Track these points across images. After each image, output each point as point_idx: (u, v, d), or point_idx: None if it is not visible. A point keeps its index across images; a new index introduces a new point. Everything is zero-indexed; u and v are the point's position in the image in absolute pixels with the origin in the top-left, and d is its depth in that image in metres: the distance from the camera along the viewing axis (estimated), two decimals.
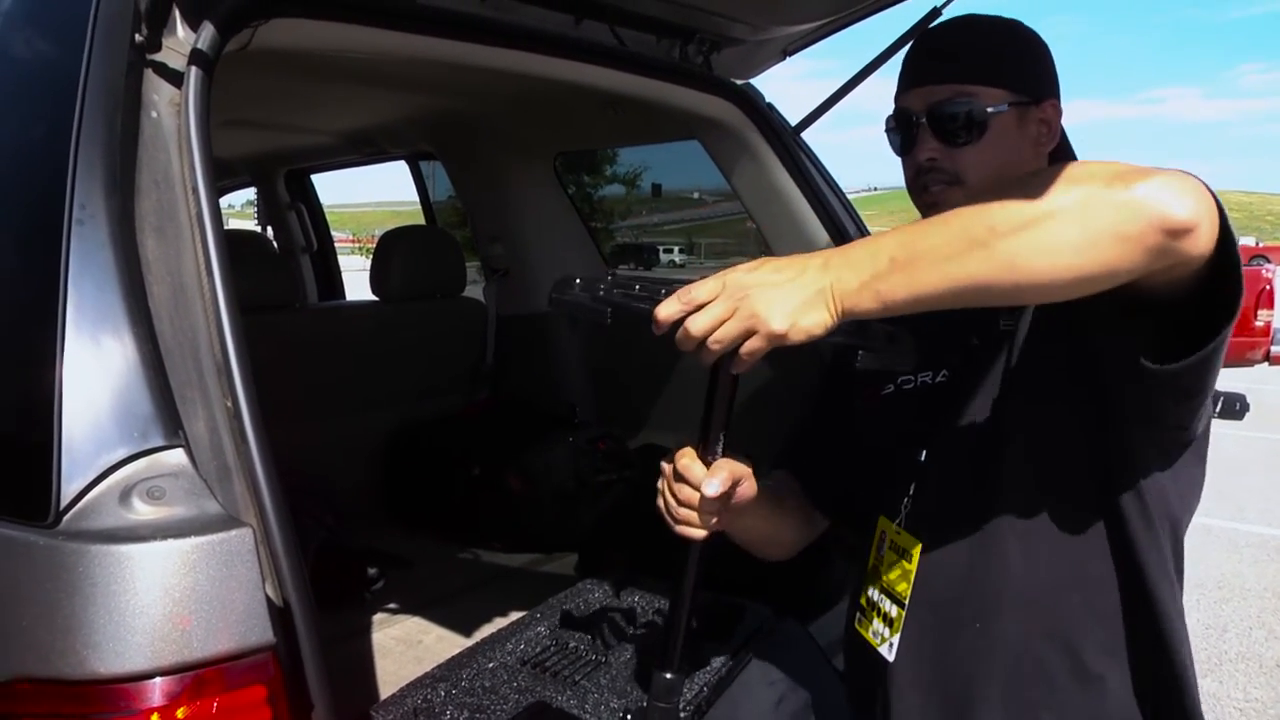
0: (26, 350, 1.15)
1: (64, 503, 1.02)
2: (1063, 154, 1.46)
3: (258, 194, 5.14)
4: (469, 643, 2.14)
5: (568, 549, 2.95)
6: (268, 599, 1.10)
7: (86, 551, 0.98)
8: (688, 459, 1.28)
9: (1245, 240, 62.03)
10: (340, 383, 3.29)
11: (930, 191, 1.39)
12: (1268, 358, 10.72)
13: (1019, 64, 1.38)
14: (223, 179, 5.18)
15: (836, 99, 2.63)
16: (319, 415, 3.20)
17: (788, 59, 2.71)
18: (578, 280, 1.29)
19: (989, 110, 1.34)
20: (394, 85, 2.93)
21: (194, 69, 1.32)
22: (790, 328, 1.03)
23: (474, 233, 3.81)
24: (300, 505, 2.76)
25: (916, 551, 1.40)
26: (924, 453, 1.44)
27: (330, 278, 5.20)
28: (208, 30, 1.35)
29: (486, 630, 2.38)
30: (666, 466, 1.31)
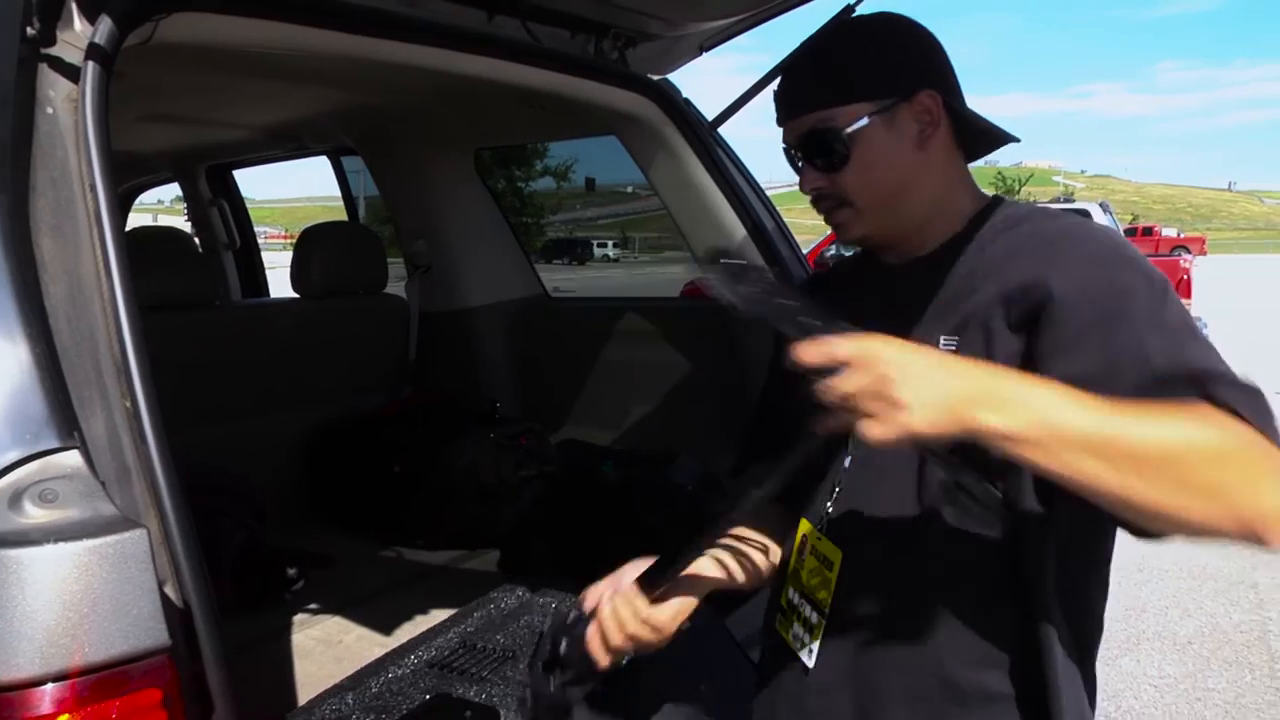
0: None
1: None
2: (969, 137, 1.41)
3: (181, 189, 5.07)
4: (390, 641, 2.13)
5: (490, 545, 2.94)
6: (167, 601, 1.09)
7: None
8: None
9: (1168, 231, 63.48)
10: (261, 381, 3.26)
11: (830, 219, 1.40)
12: None
13: (875, 69, 1.35)
14: (142, 175, 5.10)
15: (751, 95, 2.65)
16: (240, 414, 3.17)
17: (705, 54, 2.73)
18: (751, 271, 1.15)
19: (847, 132, 1.32)
20: (312, 80, 2.90)
21: (91, 64, 1.29)
22: (926, 427, 0.97)
23: (396, 229, 3.79)
24: (220, 505, 2.74)
25: (838, 561, 1.37)
26: (848, 459, 1.40)
27: (254, 274, 5.13)
28: (105, 24, 1.32)
29: (408, 629, 2.37)
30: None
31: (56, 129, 1.27)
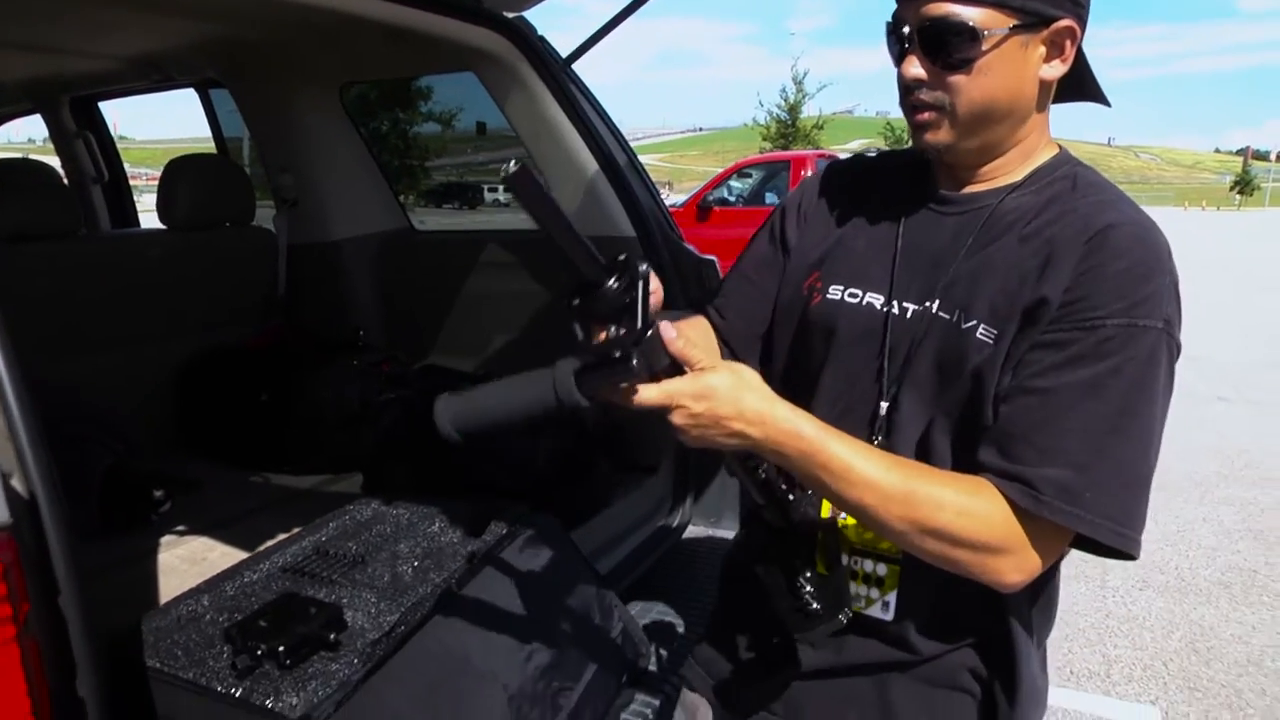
0: None
1: None
2: (1076, 82, 1.35)
3: (44, 121, 4.98)
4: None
5: (354, 469, 3.04)
6: (12, 490, 1.18)
7: None
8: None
9: None
10: (130, 311, 3.28)
11: (918, 115, 1.31)
12: None
13: None
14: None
15: (602, 35, 2.76)
16: (110, 344, 3.20)
17: None
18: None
19: (984, 34, 1.21)
20: (168, 9, 2.91)
21: None
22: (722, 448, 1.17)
23: (263, 162, 3.82)
24: (87, 432, 2.79)
25: None
26: (885, 406, 1.37)
27: (124, 209, 5.10)
28: None
29: (269, 545, 2.46)
30: None
31: None
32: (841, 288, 1.43)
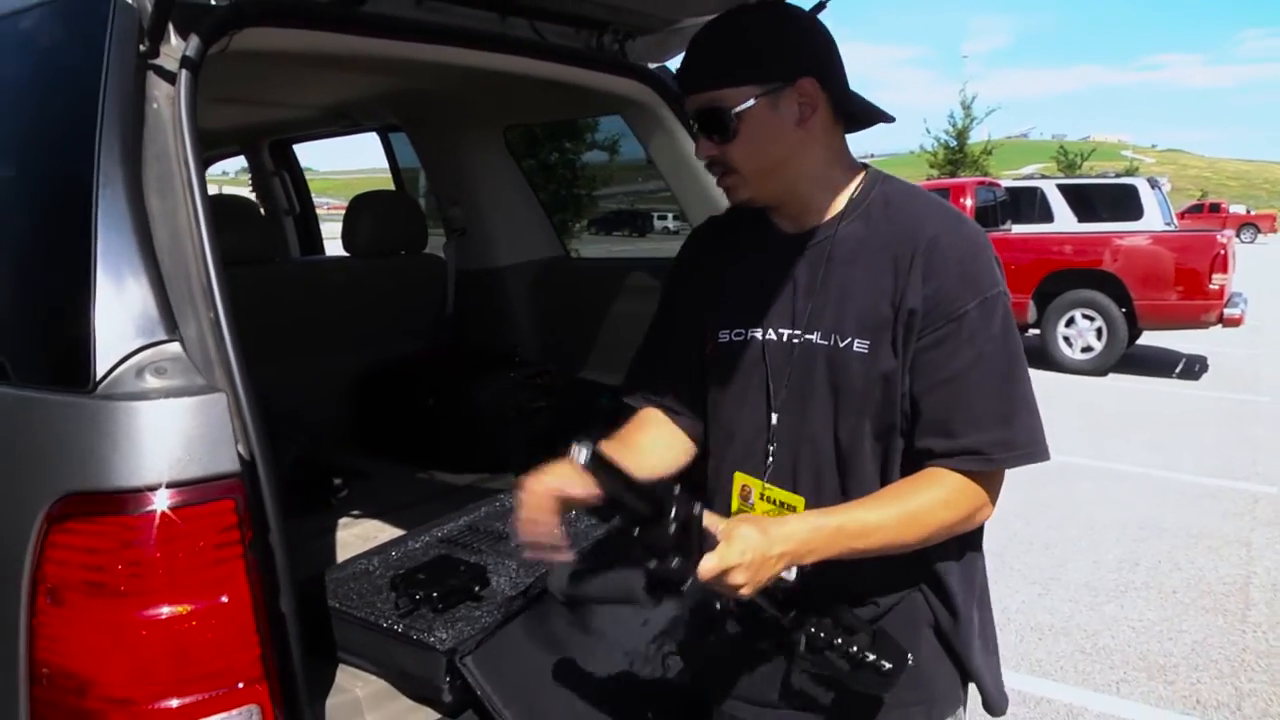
0: (69, 276, 1.58)
1: (98, 376, 1.47)
2: (851, 114, 1.63)
3: (247, 161, 5.59)
4: None
5: (507, 469, 3.40)
6: (237, 452, 1.56)
7: (114, 407, 1.43)
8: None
9: (1236, 208, 61.54)
10: (315, 328, 3.74)
11: (720, 183, 1.64)
12: (1221, 319, 11.08)
13: (763, 55, 1.52)
14: (213, 149, 5.64)
15: None
16: (298, 354, 3.64)
17: None
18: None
19: (735, 111, 1.51)
20: (361, 69, 3.36)
21: (184, 71, 1.73)
22: (772, 580, 1.43)
23: (435, 196, 4.25)
24: (280, 428, 3.22)
25: (801, 504, 1.62)
26: (775, 417, 1.64)
27: (310, 237, 5.67)
28: (194, 40, 1.76)
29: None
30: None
31: (160, 120, 1.71)
32: (728, 331, 1.72)
